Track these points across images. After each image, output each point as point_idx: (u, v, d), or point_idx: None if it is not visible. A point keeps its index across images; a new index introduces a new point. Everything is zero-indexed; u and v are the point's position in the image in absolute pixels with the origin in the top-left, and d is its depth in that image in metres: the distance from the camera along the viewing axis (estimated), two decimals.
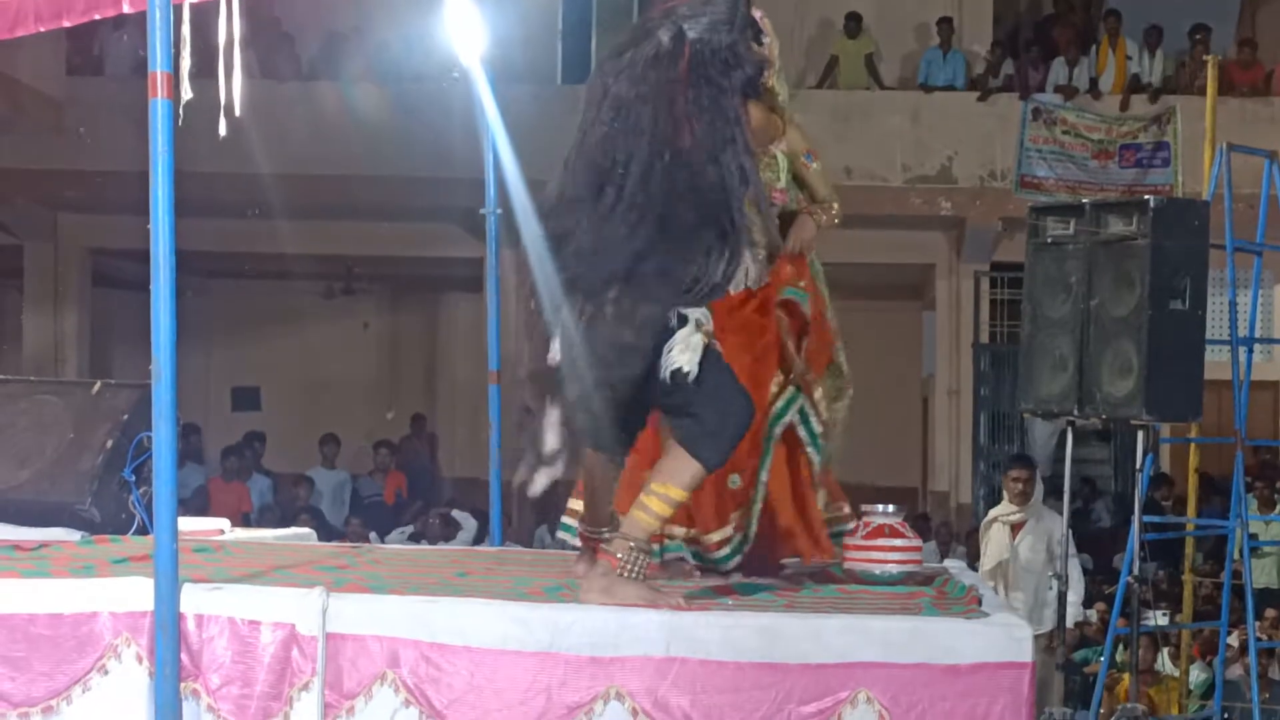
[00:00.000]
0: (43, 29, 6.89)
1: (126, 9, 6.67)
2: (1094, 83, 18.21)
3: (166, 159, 4.28)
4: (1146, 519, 8.92)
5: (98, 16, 6.86)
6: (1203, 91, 10.41)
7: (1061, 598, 8.80)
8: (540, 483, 4.75)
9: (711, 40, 4.67)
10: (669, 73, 4.64)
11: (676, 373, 4.60)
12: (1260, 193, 9.48)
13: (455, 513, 15.10)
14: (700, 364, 4.62)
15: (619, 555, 4.63)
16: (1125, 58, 18.27)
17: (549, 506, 16.53)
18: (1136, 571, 8.33)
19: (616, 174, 4.60)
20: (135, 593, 4.63)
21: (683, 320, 4.65)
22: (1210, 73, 10.04)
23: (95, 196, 16.97)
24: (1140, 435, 8.23)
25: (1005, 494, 10.55)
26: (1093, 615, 12.55)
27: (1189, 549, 10.31)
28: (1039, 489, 10.14)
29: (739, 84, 4.70)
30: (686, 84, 4.63)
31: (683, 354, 4.61)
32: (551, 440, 4.71)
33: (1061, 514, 9.64)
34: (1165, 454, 16.95)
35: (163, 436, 4.35)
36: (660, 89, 4.63)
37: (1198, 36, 18.24)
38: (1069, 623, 9.16)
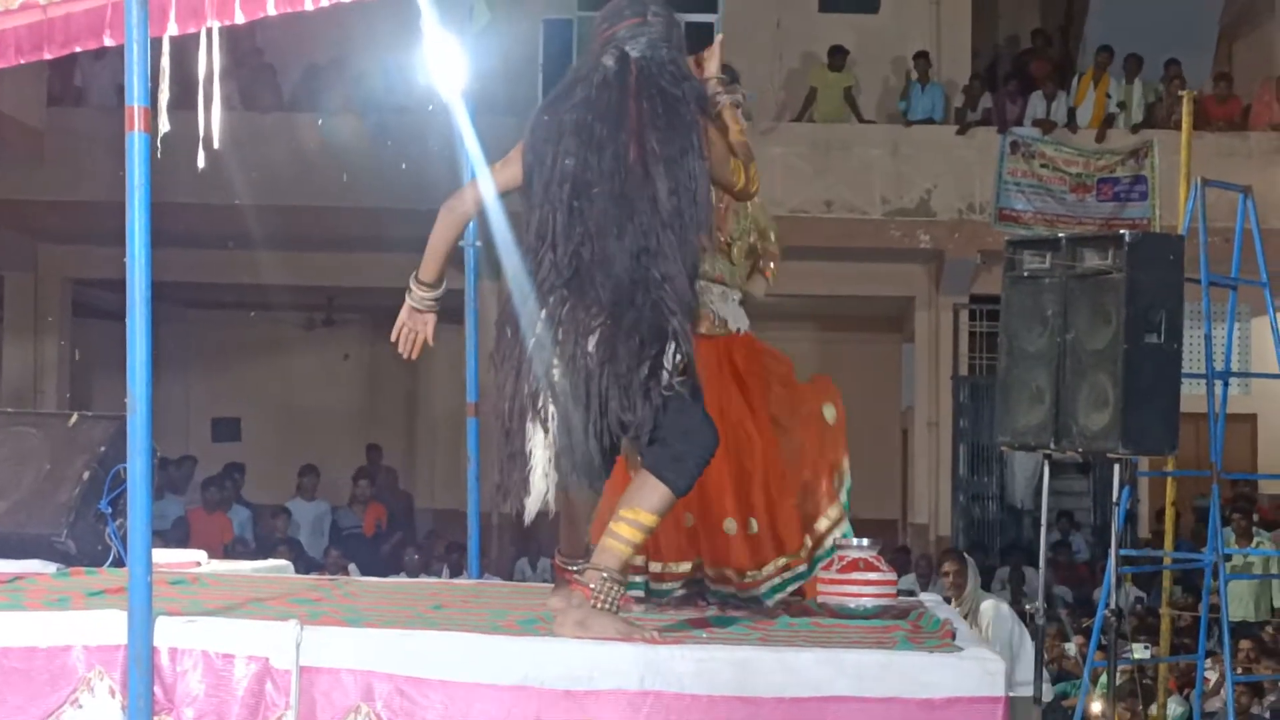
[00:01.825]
0: (23, 61, 6.89)
1: (108, 41, 6.68)
2: (1071, 115, 18.30)
3: (143, 193, 4.29)
4: (1124, 552, 8.93)
5: (78, 49, 6.85)
6: (1180, 126, 10.46)
7: (1040, 630, 8.80)
8: (530, 511, 4.77)
9: (655, 56, 4.81)
10: (621, 92, 4.75)
11: None
12: (1235, 226, 9.52)
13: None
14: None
15: (592, 586, 4.64)
16: (1105, 95, 18.36)
17: (529, 539, 16.56)
18: (1114, 604, 8.34)
19: (587, 200, 4.68)
20: (109, 626, 4.62)
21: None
22: (1186, 107, 10.09)
23: (76, 227, 16.97)
24: (1116, 468, 8.25)
25: None
26: (1071, 649, 12.56)
27: (1166, 582, 10.33)
28: (973, 580, 9.97)
29: (691, 94, 4.78)
30: (639, 98, 4.73)
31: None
32: (537, 469, 4.74)
33: (998, 601, 9.61)
34: (1144, 487, 16.99)
35: (137, 469, 4.34)
36: (614, 108, 4.73)
37: (1172, 71, 18.37)
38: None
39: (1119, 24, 19.94)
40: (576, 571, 4.78)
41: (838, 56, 18.80)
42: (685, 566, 5.89)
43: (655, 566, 5.85)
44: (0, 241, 18.18)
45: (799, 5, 19.56)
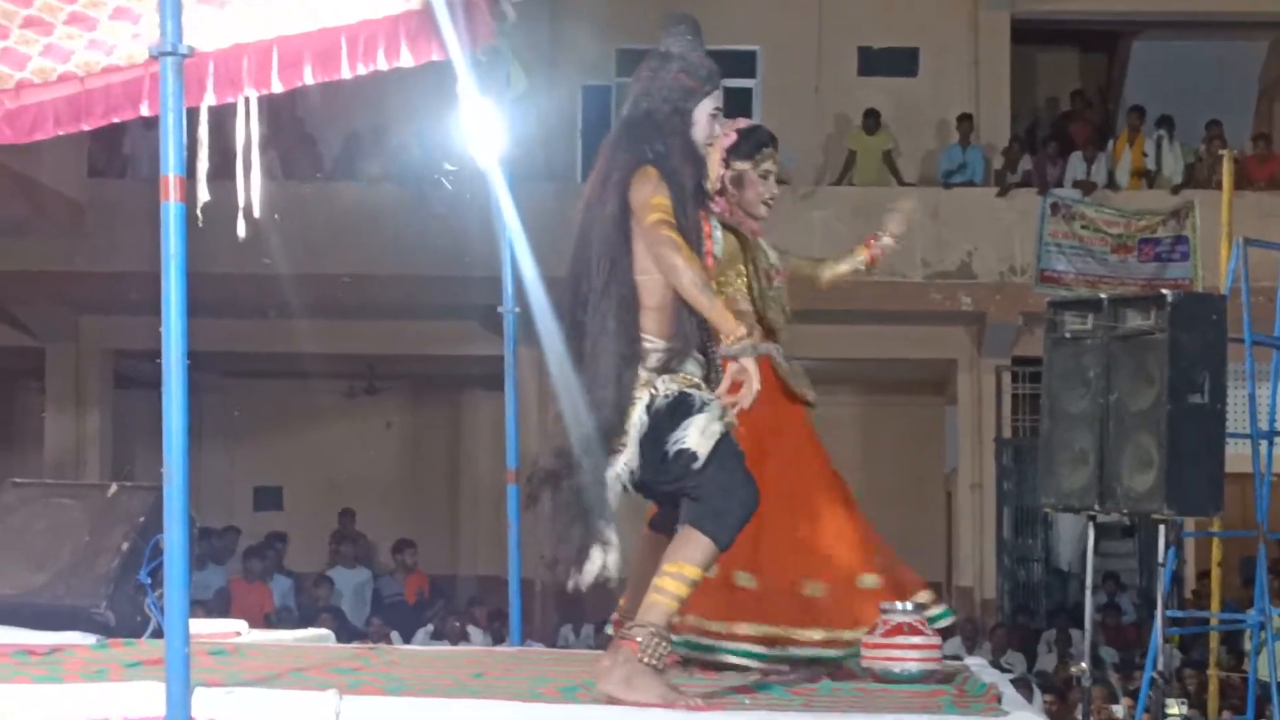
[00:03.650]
0: (61, 132, 6.94)
1: (144, 111, 6.73)
2: (1111, 177, 18.27)
3: (179, 263, 4.28)
4: (1170, 614, 8.85)
5: (116, 119, 6.91)
6: (1220, 186, 10.43)
7: (1087, 693, 8.72)
8: (589, 575, 4.79)
9: (629, 115, 4.98)
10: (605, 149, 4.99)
11: (683, 453, 4.64)
12: (1277, 285, 9.47)
13: (470, 629, 15.17)
14: (710, 451, 4.68)
15: (639, 640, 4.63)
16: (1142, 154, 18.32)
17: (573, 605, 16.50)
18: (1161, 667, 8.26)
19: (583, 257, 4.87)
20: (147, 697, 4.58)
21: (705, 405, 4.72)
22: (1226, 167, 10.07)
23: (116, 298, 17.01)
24: (1162, 529, 8.18)
25: None
26: (1119, 711, 12.45)
27: (1213, 644, 10.22)
28: None
29: (621, 159, 4.87)
30: (608, 156, 4.92)
31: (696, 438, 4.66)
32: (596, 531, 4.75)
33: None
34: (1188, 547, 16.84)
35: (174, 539, 4.32)
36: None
37: (1212, 131, 18.33)
38: None
39: (1158, 85, 19.90)
40: (631, 627, 4.75)
41: (871, 119, 18.83)
42: (745, 629, 5.82)
43: (717, 626, 5.79)
44: (41, 313, 18.28)
45: (838, 69, 19.60)
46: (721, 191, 6.00)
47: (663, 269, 4.70)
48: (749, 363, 4.69)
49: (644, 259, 4.76)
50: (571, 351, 4.81)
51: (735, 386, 4.73)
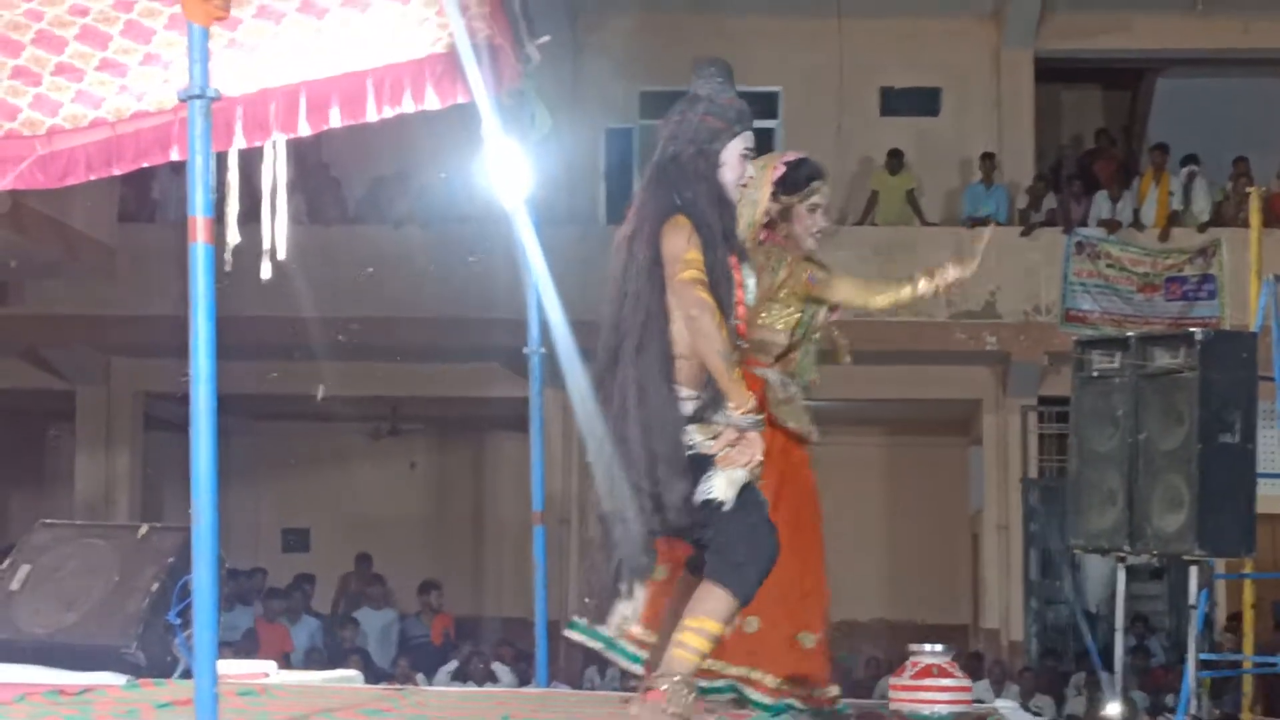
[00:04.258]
0: (93, 177, 6.98)
1: (174, 156, 6.76)
2: (1136, 215, 18.24)
3: (207, 304, 4.30)
4: (1203, 657, 8.81)
5: (146, 164, 6.95)
6: (1247, 224, 10.41)
7: None
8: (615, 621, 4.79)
9: (658, 159, 4.97)
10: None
11: (710, 503, 4.65)
12: None
13: (495, 665, 15.11)
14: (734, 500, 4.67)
15: (664, 688, 4.62)
16: (1169, 192, 18.29)
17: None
18: (1194, 710, 8.22)
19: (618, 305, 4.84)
20: None
21: None
22: (1254, 205, 10.05)
23: (147, 341, 17.09)
24: (1193, 571, 8.13)
25: None
26: None
27: (1247, 688, 10.16)
28: None
29: (652, 206, 4.87)
30: (639, 204, 4.91)
31: (723, 489, 4.65)
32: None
33: None
34: (1220, 590, 16.76)
35: (203, 580, 4.33)
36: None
37: (1239, 168, 18.29)
38: None
39: (1183, 122, 19.88)
40: (655, 677, 4.74)
41: (894, 159, 18.85)
42: (737, 670, 5.77)
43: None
44: (72, 356, 18.35)
45: (860, 109, 19.63)
46: (771, 225, 5.99)
47: (690, 329, 4.70)
48: (754, 436, 4.71)
49: (676, 310, 4.75)
50: (607, 401, 4.79)
51: (734, 442, 4.74)
